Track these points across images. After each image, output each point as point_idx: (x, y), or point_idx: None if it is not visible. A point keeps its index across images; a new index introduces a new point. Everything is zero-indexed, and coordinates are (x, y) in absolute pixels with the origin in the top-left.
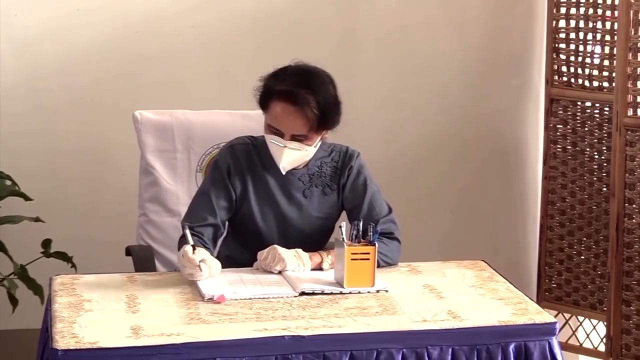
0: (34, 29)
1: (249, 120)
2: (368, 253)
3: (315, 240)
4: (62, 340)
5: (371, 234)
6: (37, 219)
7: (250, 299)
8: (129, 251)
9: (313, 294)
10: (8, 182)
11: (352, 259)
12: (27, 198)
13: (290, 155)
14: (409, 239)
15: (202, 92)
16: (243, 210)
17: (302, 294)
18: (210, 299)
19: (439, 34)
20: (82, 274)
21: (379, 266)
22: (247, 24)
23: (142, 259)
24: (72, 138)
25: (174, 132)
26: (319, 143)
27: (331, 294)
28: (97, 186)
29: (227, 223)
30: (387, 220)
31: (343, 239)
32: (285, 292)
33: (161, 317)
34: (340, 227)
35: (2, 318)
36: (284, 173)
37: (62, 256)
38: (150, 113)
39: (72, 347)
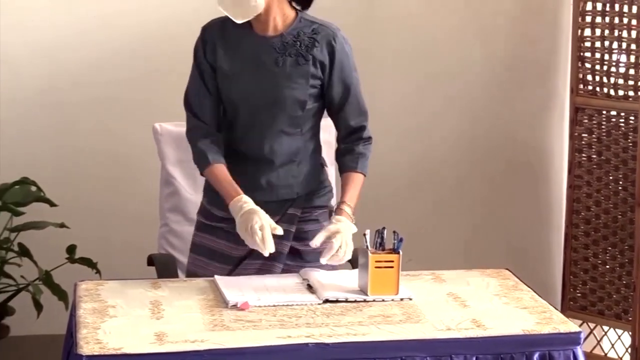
0: (57, 33)
1: None
2: (392, 261)
3: (286, 110)
4: (87, 346)
5: (395, 242)
6: (62, 225)
7: (274, 306)
8: (151, 260)
9: (337, 301)
10: (33, 188)
11: (376, 267)
12: (52, 204)
13: None
14: (432, 246)
15: None
16: (220, 81)
17: (326, 301)
18: (234, 305)
19: (464, 42)
20: (107, 280)
21: (355, 169)
22: None
23: (165, 268)
24: (96, 144)
25: None
26: None
27: (355, 301)
28: (122, 192)
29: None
30: (368, 122)
31: (367, 246)
32: (309, 300)
33: (185, 323)
34: (365, 234)
35: (27, 323)
36: (237, 21)
37: (87, 262)
38: (169, 125)
39: (96, 353)
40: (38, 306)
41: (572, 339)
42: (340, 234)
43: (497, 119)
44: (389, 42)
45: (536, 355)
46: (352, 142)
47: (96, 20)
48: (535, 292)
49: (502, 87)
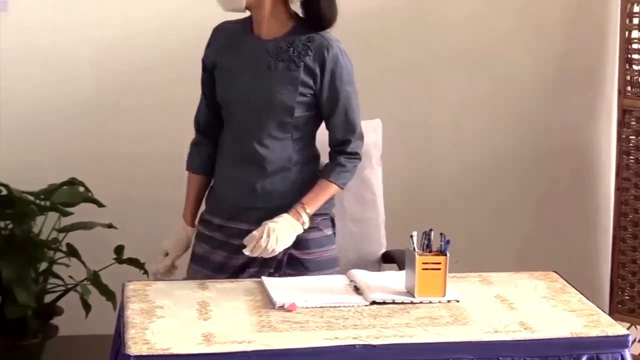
0: (108, 34)
1: (318, 132)
2: (439, 263)
3: (275, 115)
4: (135, 347)
5: (442, 244)
6: (110, 225)
7: (322, 307)
8: None
9: (384, 303)
10: (81, 189)
11: (423, 269)
12: (100, 204)
13: None
14: (481, 249)
15: None
16: (219, 80)
17: (373, 303)
18: (281, 306)
19: (513, 46)
20: (154, 281)
21: (327, 178)
22: None
23: None
24: (144, 146)
25: None
26: None
27: (402, 303)
28: (169, 193)
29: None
30: (357, 138)
31: (414, 248)
32: (356, 301)
33: (232, 324)
34: (412, 236)
35: (75, 323)
36: (223, 9)
37: (135, 262)
38: None
39: (144, 353)
40: (86, 306)
41: (620, 342)
42: (266, 226)
43: (544, 122)
44: (442, 45)
45: (584, 358)
46: (336, 153)
47: (147, 22)
48: (583, 294)
49: (550, 91)
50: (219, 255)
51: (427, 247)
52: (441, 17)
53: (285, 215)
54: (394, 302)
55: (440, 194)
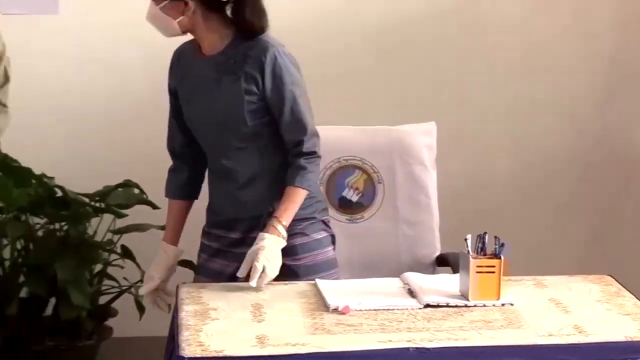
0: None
1: (368, 135)
2: (493, 266)
3: (232, 128)
4: (189, 348)
5: (497, 247)
6: (164, 227)
7: (375, 310)
8: None
9: (438, 306)
10: (136, 191)
11: (478, 272)
12: (154, 206)
13: (149, 10)
14: (538, 252)
15: (325, 107)
16: (180, 105)
17: (427, 306)
18: (335, 309)
19: (568, 48)
20: (209, 283)
21: (292, 184)
22: (370, 39)
23: None
24: None
25: None
26: (174, 10)
27: (456, 306)
28: None
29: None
30: (310, 136)
31: (468, 251)
32: (410, 304)
33: (286, 326)
34: (466, 239)
35: (129, 325)
36: (165, 36)
37: (189, 264)
38: None
39: (198, 355)
40: (140, 308)
41: None
42: (260, 253)
43: (602, 125)
44: (496, 49)
45: None
46: (293, 156)
47: None
48: (638, 298)
49: (606, 91)
50: (216, 264)
51: (481, 250)
52: (495, 21)
53: (263, 235)
54: (447, 305)
55: (495, 197)
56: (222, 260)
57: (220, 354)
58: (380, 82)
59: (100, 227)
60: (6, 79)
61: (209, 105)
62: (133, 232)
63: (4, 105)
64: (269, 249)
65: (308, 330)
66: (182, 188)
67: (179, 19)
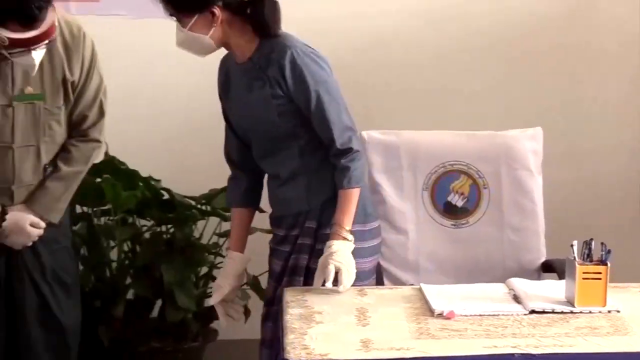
0: None
1: (474, 140)
2: (600, 272)
3: (268, 131)
4: (294, 352)
5: (603, 253)
6: (269, 231)
7: (480, 315)
8: None
9: (543, 312)
10: None
11: (584, 278)
12: (260, 210)
13: (179, 37)
14: None
15: (429, 111)
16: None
17: (532, 312)
18: (440, 314)
19: None
20: (313, 287)
21: (342, 187)
22: (476, 42)
23: None
24: None
25: (400, 151)
26: (205, 23)
27: (562, 312)
28: None
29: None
30: (342, 132)
31: (574, 257)
32: (515, 310)
33: (391, 331)
34: (572, 245)
35: (234, 327)
36: (200, 57)
37: None
38: (376, 133)
39: (303, 358)
40: (246, 311)
41: None
42: (331, 258)
43: None
44: (604, 49)
45: None
46: (333, 157)
47: (321, 24)
48: None
49: None
50: (275, 265)
51: (587, 257)
52: (606, 24)
53: (330, 242)
54: (553, 312)
55: (602, 203)
56: (274, 259)
57: (325, 357)
58: (486, 86)
59: (206, 229)
60: (101, 114)
61: (245, 112)
62: None
63: (98, 141)
64: (339, 252)
65: (413, 334)
66: (243, 196)
67: (210, 33)
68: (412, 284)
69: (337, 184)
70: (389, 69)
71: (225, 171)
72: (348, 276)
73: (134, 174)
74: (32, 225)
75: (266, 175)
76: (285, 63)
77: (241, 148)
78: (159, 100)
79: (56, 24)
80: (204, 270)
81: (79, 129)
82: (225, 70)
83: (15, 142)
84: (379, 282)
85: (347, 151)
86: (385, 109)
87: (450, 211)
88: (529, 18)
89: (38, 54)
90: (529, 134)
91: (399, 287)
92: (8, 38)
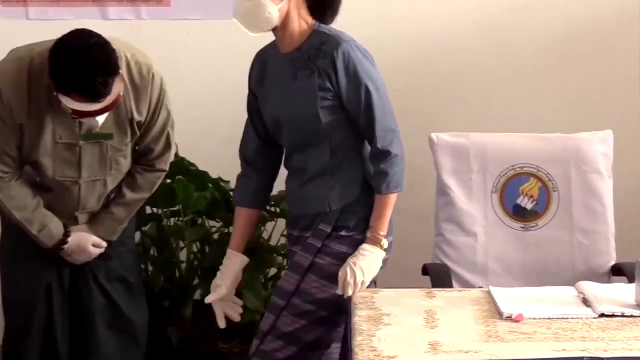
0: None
1: (544, 143)
2: None
3: (307, 125)
4: (362, 354)
5: None
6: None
7: (549, 318)
8: (426, 269)
9: (613, 316)
10: None
11: None
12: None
13: (243, 7)
14: None
15: (498, 113)
16: (260, 105)
17: (602, 315)
18: (508, 317)
19: None
20: (382, 288)
21: (380, 192)
22: (547, 43)
23: (440, 278)
24: None
25: (469, 154)
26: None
27: (632, 316)
28: (397, 201)
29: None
30: (384, 134)
31: None
32: (585, 313)
33: (459, 333)
34: None
35: None
36: (252, 34)
37: None
38: (446, 135)
39: None
40: None
41: None
42: (357, 263)
43: None
44: None
45: None
46: (373, 159)
47: (376, 29)
48: None
49: None
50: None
51: None
52: None
53: (364, 246)
54: (623, 315)
55: None
56: (289, 260)
57: None
58: (556, 88)
59: (275, 231)
60: (168, 146)
61: (285, 102)
62: None
63: (164, 171)
64: (367, 259)
65: (481, 337)
66: (253, 196)
67: (280, 5)
68: (480, 287)
69: (375, 188)
70: (455, 71)
71: None
72: (356, 288)
73: (204, 176)
74: (95, 245)
75: (285, 175)
76: (339, 56)
77: (260, 147)
78: (230, 102)
79: (121, 93)
80: (272, 271)
81: (146, 159)
82: (261, 63)
83: (82, 178)
84: (448, 284)
85: (387, 154)
86: (453, 111)
87: (519, 214)
88: (602, 18)
89: (102, 118)
90: (600, 137)
91: (467, 290)
92: (72, 109)
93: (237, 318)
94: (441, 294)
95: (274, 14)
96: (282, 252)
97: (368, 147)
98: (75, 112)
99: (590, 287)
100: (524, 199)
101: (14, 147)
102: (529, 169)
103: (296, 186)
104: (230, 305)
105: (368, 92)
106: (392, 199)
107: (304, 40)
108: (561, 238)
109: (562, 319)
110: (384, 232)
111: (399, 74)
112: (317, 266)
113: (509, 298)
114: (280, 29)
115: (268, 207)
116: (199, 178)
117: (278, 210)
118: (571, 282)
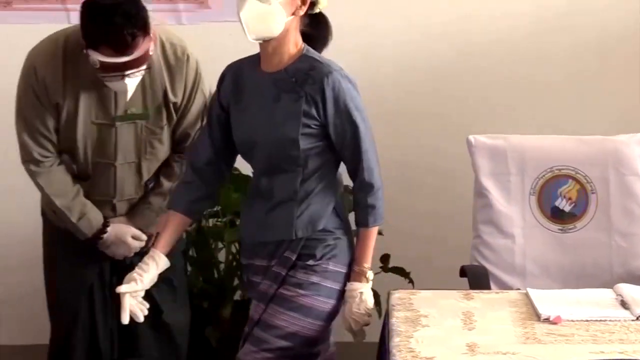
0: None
1: (583, 145)
2: None
3: (283, 148)
4: (399, 355)
5: None
6: (381, 233)
7: (587, 320)
8: (463, 271)
9: None
10: (351, 197)
11: None
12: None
13: (252, 7)
14: None
15: (536, 114)
16: (231, 120)
17: None
18: (546, 319)
19: None
20: (419, 290)
21: (366, 226)
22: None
23: (477, 279)
24: (413, 156)
25: (507, 155)
26: (291, 5)
27: None
28: (435, 203)
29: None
30: (369, 167)
31: None
32: (623, 315)
33: (497, 335)
34: None
35: (341, 330)
36: (250, 38)
37: (400, 271)
38: (484, 137)
39: None
40: None
41: None
42: (362, 311)
43: None
44: None
45: None
46: (358, 191)
47: (419, 34)
48: None
49: None
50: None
51: None
52: None
53: (351, 286)
54: None
55: None
56: (251, 291)
57: None
58: (594, 90)
59: None
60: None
61: (263, 122)
62: None
63: None
64: (367, 300)
65: (519, 339)
66: (191, 204)
67: (287, 19)
68: (518, 288)
69: (360, 221)
70: (493, 73)
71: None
72: (357, 325)
73: (242, 177)
74: (134, 237)
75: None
76: (328, 84)
77: (211, 158)
78: None
79: (151, 52)
80: None
81: (183, 145)
82: (234, 76)
83: (118, 160)
84: (485, 286)
85: (371, 187)
86: (490, 112)
87: (557, 216)
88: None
89: (132, 82)
90: (638, 139)
91: (505, 291)
92: (99, 61)
93: (141, 318)
94: (479, 295)
95: (281, 24)
96: None
97: (341, 178)
98: (102, 66)
99: (628, 289)
100: (562, 201)
101: (52, 129)
102: (567, 171)
103: (260, 212)
104: (138, 304)
105: (356, 124)
106: (375, 231)
107: (291, 62)
108: (599, 240)
109: (600, 321)
110: (368, 264)
111: (438, 75)
112: (282, 297)
113: (547, 300)
114: (274, 44)
115: None
116: (238, 179)
117: None
118: (609, 284)
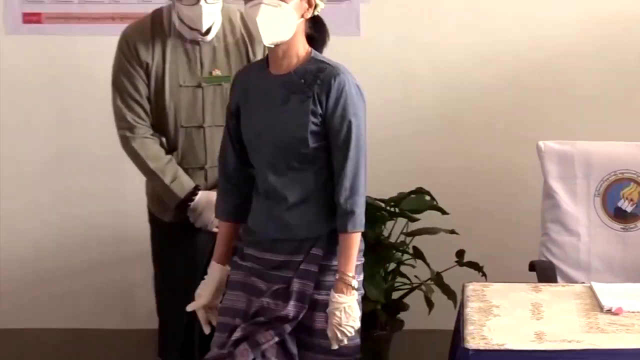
0: (453, 55)
1: None
2: None
3: (293, 148)
4: (473, 341)
5: None
6: (452, 231)
7: None
8: (532, 266)
9: None
10: (427, 198)
11: None
12: (443, 212)
13: (267, 12)
14: None
15: (601, 121)
16: (241, 121)
17: None
18: (608, 310)
19: None
20: (492, 283)
21: (345, 231)
22: None
23: (545, 274)
24: (483, 159)
25: (574, 160)
26: (300, 8)
27: None
28: (506, 202)
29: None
30: (356, 170)
31: None
32: None
33: (563, 325)
34: None
35: (419, 319)
36: (265, 43)
37: (474, 266)
38: (553, 143)
39: (481, 348)
40: (429, 304)
41: None
42: (336, 315)
43: None
44: None
45: None
46: (337, 194)
47: (485, 39)
48: None
49: None
50: (258, 282)
51: None
52: None
53: (334, 295)
54: None
55: None
56: (264, 282)
57: (502, 347)
58: None
59: (394, 229)
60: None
61: (272, 122)
62: (424, 235)
63: None
64: (345, 309)
65: (583, 328)
66: (234, 211)
67: (298, 21)
68: (583, 282)
69: (339, 227)
70: (563, 80)
71: (411, 178)
72: (345, 338)
73: None
74: None
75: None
76: (335, 85)
77: (238, 165)
78: None
79: None
80: (392, 266)
81: None
82: (243, 83)
83: (206, 122)
84: (553, 280)
85: (352, 192)
86: (560, 118)
87: (619, 216)
88: None
89: (207, 8)
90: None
91: (570, 285)
92: None
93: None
94: (546, 288)
95: (293, 27)
96: (401, 249)
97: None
98: None
99: None
100: (624, 202)
101: (143, 94)
102: (629, 174)
103: (276, 211)
104: (214, 312)
105: (350, 126)
106: (357, 238)
107: (299, 64)
108: None
109: None
110: (352, 273)
111: (513, 84)
112: (324, 303)
113: (609, 293)
114: (284, 47)
115: (388, 207)
116: None
117: (397, 210)
118: None
